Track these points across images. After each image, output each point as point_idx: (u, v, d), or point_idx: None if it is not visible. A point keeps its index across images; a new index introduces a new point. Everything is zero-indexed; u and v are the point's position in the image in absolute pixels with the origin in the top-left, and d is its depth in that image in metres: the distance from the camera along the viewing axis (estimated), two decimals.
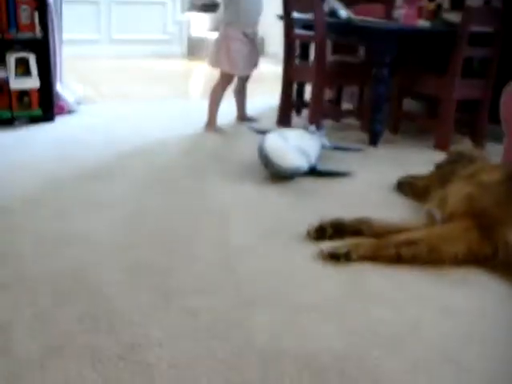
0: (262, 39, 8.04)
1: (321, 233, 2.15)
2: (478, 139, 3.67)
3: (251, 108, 4.27)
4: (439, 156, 2.94)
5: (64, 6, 4.33)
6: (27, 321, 1.67)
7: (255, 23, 3.79)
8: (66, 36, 4.49)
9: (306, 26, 3.98)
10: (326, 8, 3.66)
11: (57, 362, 1.50)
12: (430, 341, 1.60)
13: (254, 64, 3.94)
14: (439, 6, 4.03)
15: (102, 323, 1.66)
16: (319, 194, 2.70)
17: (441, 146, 3.55)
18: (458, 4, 3.95)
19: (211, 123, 3.87)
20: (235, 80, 3.97)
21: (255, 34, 3.84)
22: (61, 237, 2.16)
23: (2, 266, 1.95)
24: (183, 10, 8.17)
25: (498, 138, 3.32)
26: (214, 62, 3.83)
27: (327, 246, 2.05)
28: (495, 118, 2.94)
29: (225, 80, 3.85)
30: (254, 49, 3.87)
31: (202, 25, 8.32)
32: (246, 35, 3.73)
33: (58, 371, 1.47)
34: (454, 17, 3.77)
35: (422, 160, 3.28)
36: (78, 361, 1.51)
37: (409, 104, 4.26)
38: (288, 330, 1.62)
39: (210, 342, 1.56)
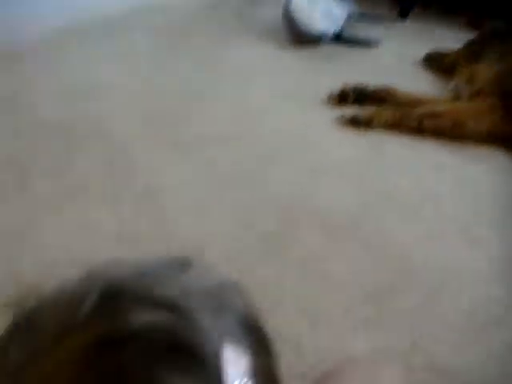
0: None
1: (343, 98, 2.09)
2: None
3: None
4: (471, 34, 2.80)
5: None
6: (43, 163, 1.67)
7: None
8: None
9: None
10: None
11: (73, 205, 1.52)
12: (446, 211, 1.60)
13: None
14: None
15: (118, 169, 1.66)
16: (343, 60, 2.58)
17: (473, 24, 3.37)
18: None
19: None
20: None
21: None
22: (76, 85, 2.11)
23: (15, 111, 1.92)
24: None
25: None
26: None
27: (348, 111, 2.00)
28: None
29: None
30: None
31: None
32: None
33: (74, 214, 1.49)
34: None
35: (453, 36, 3.13)
36: (94, 204, 1.53)
37: None
38: (304, 187, 1.61)
39: (224, 191, 1.57)
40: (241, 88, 2.19)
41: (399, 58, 2.71)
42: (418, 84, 2.42)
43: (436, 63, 2.62)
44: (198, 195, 1.56)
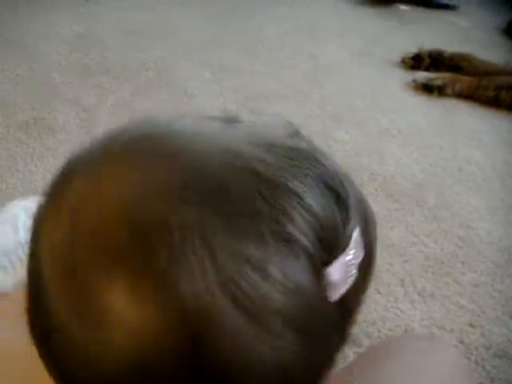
0: None
1: (417, 61, 2.00)
2: None
3: None
4: None
5: None
6: (109, 107, 1.68)
7: None
8: None
9: None
10: None
11: None
12: None
13: None
14: None
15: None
16: (421, 23, 2.46)
17: None
18: None
19: None
20: None
21: None
22: (145, 28, 2.10)
23: (86, 51, 1.93)
24: None
25: None
26: None
27: (422, 76, 1.92)
28: None
29: None
30: None
31: None
32: None
33: None
34: None
35: None
36: None
37: None
38: (369, 149, 1.57)
39: None
40: (311, 42, 2.13)
41: (478, 25, 2.57)
42: (498, 54, 2.30)
43: None
44: None
